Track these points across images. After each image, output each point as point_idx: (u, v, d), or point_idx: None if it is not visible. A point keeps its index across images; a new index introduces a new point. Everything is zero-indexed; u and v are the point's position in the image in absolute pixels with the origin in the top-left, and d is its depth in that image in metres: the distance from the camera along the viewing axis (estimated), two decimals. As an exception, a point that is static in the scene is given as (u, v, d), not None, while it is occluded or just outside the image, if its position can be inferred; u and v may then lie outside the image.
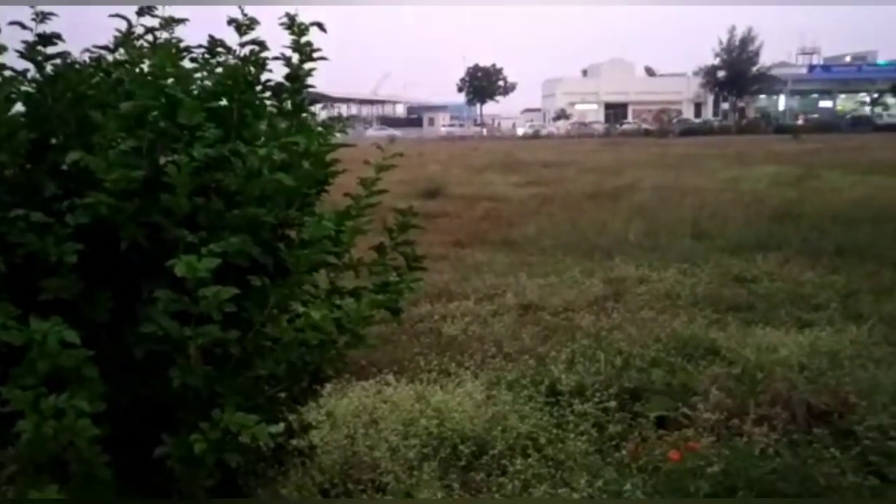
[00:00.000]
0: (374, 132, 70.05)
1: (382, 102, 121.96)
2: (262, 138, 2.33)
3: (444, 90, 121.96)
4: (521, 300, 6.81)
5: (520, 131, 79.10)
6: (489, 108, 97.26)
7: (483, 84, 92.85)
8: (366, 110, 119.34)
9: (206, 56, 2.56)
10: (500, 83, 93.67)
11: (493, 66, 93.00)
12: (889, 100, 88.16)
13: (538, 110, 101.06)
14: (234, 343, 2.13)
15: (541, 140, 63.77)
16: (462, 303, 6.73)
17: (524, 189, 17.25)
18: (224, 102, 2.38)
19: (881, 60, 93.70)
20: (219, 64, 2.51)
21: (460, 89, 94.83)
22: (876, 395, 4.08)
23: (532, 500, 3.27)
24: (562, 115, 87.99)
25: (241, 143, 2.25)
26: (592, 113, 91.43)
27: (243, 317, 2.20)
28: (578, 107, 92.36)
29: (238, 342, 2.16)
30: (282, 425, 2.77)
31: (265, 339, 2.32)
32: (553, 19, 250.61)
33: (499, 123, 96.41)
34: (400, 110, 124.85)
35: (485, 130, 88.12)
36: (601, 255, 8.88)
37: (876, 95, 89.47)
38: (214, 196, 2.21)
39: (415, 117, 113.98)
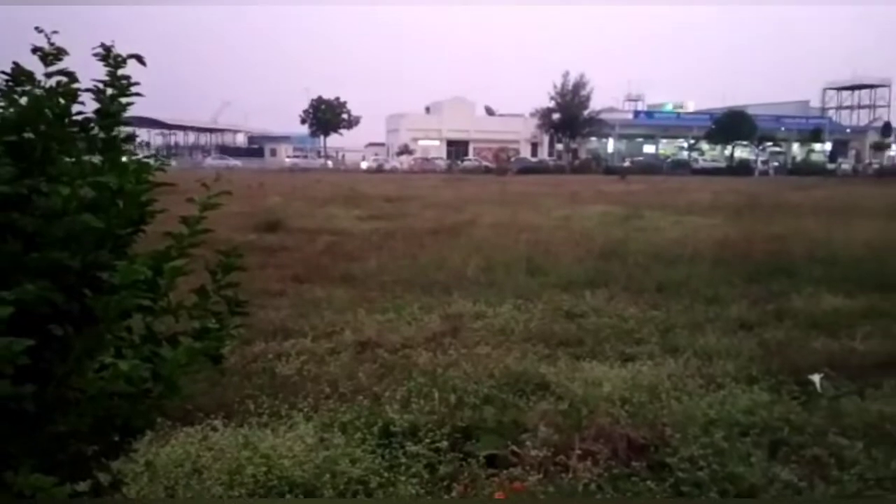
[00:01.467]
0: (212, 161, 67.97)
1: (222, 131, 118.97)
2: (69, 175, 2.16)
3: (287, 121, 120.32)
4: (360, 337, 6.74)
5: (364, 165, 79.47)
6: (333, 140, 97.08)
7: (327, 116, 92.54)
8: (204, 139, 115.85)
9: (10, 84, 2.36)
10: (344, 116, 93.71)
11: (337, 98, 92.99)
12: (703, 146, 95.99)
13: (382, 144, 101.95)
14: (29, 399, 1.94)
15: (384, 174, 64.27)
16: (298, 341, 6.57)
17: (366, 223, 17.25)
18: (29, 135, 2.19)
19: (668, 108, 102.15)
20: (23, 94, 2.32)
21: (303, 121, 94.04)
22: (689, 427, 4.34)
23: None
24: (405, 150, 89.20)
25: (43, 181, 2.07)
26: (435, 149, 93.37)
27: (42, 369, 2.01)
28: (421, 142, 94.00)
29: (35, 397, 1.97)
30: (88, 483, 2.55)
31: (70, 392, 2.14)
32: (397, 55, 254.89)
33: (343, 156, 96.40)
34: (241, 139, 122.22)
35: (330, 163, 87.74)
36: (440, 290, 8.98)
37: (692, 141, 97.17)
38: (11, 238, 2.02)
39: (256, 147, 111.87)
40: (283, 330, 6.90)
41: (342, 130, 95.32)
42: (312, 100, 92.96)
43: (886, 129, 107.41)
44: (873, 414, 4.69)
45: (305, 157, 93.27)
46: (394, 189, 31.50)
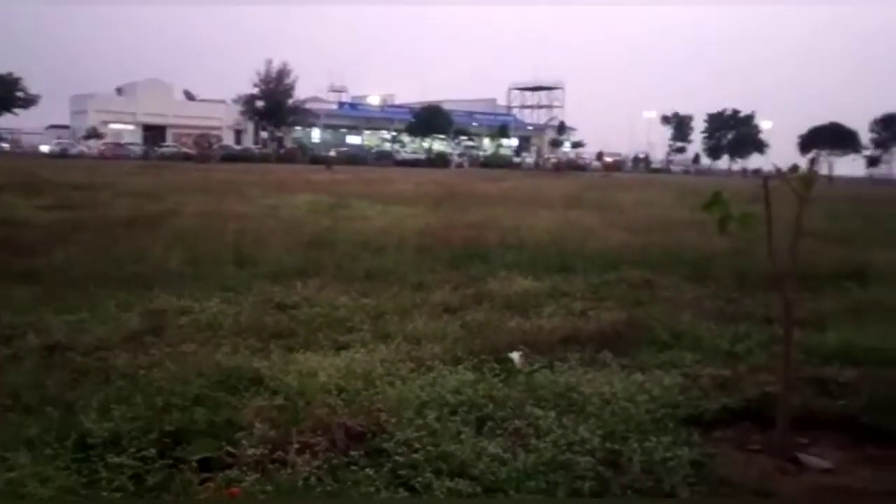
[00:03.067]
0: None
1: None
2: None
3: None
4: (46, 340, 6.01)
5: (45, 148, 71.48)
6: (7, 120, 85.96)
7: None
8: None
9: None
10: (20, 94, 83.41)
11: (10, 74, 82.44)
12: (405, 138, 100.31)
13: (67, 127, 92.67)
14: None
15: (71, 160, 58.60)
16: (-32, 349, 5.72)
17: (50, 213, 15.53)
18: None
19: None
20: None
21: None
22: (403, 411, 4.46)
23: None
24: (94, 133, 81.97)
25: None
26: (129, 134, 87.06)
27: None
28: (113, 126, 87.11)
29: None
30: None
31: None
32: (89, 29, 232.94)
33: (19, 139, 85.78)
34: None
35: (5, 145, 77.62)
36: (140, 285, 8.34)
37: (395, 133, 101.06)
38: None
39: None
40: (-52, 338, 5.97)
41: (17, 110, 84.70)
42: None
43: (561, 127, 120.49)
44: (561, 385, 5.17)
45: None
46: (82, 176, 28.74)
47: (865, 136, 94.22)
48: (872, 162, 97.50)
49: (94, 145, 77.26)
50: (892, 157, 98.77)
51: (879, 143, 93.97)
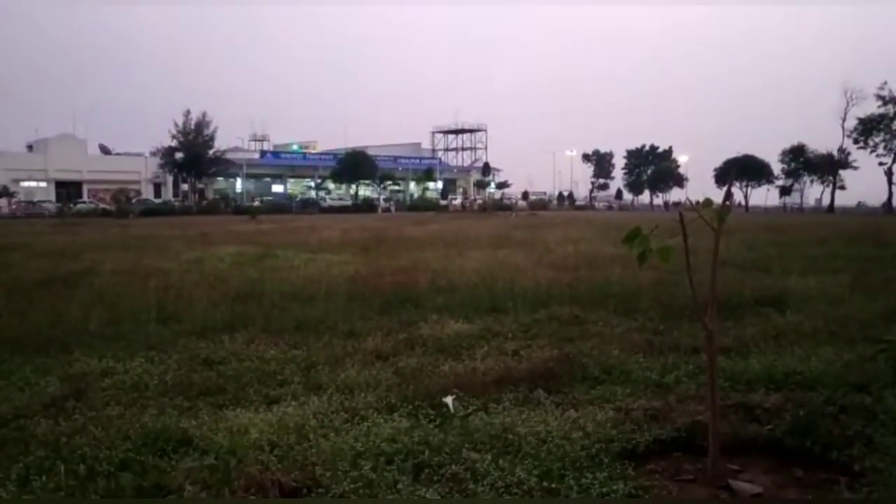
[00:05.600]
0: None
1: None
2: None
3: None
4: (-42, 412, 5.74)
5: (-49, 210, 68.67)
6: None
7: None
8: None
9: None
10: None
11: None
12: (330, 185, 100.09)
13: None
14: None
15: (-22, 220, 56.34)
16: None
17: (-42, 278, 14.85)
18: None
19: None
20: None
21: None
22: (338, 463, 4.39)
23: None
24: (4, 192, 79.12)
25: None
26: (42, 191, 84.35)
27: None
28: (24, 184, 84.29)
29: None
30: None
31: None
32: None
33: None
34: None
35: None
36: (58, 349, 8.03)
37: (319, 181, 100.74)
38: None
39: None
40: None
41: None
42: None
43: (486, 168, 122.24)
44: (497, 426, 5.18)
45: None
46: (-9, 237, 27.68)
47: (777, 168, 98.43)
48: (785, 191, 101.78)
49: (4, 204, 74.58)
50: (802, 187, 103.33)
51: (790, 173, 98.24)
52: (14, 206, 73.12)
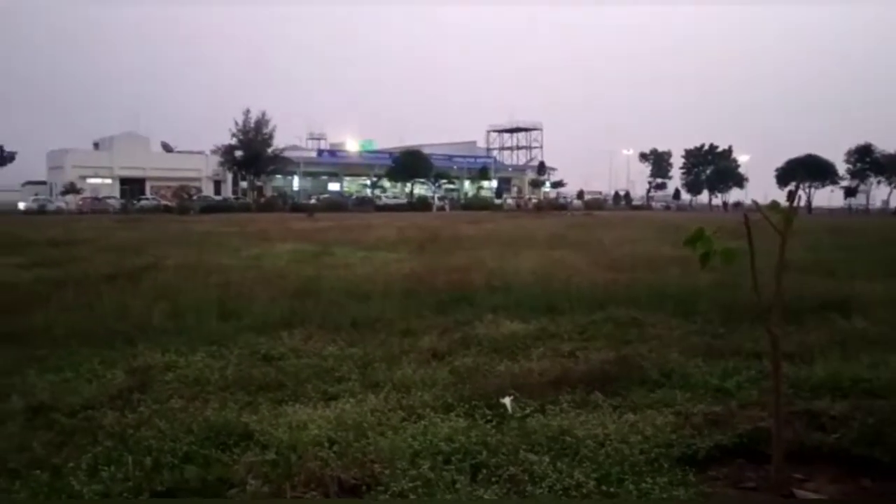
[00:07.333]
0: None
1: None
2: None
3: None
4: (30, 402, 5.93)
5: (22, 205, 71.07)
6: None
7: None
8: None
9: None
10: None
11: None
12: (385, 183, 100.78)
13: (44, 183, 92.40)
14: None
15: (48, 216, 58.23)
16: (-51, 415, 5.61)
17: (30, 272, 15.34)
18: None
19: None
20: None
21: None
22: (396, 461, 4.41)
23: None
24: (72, 188, 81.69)
25: None
26: (107, 188, 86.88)
27: None
28: (91, 181, 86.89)
29: None
30: None
31: None
32: (61, 84, 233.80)
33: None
34: None
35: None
36: (123, 342, 8.26)
37: (375, 179, 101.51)
38: None
39: None
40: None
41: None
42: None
43: (541, 168, 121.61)
44: (554, 428, 5.14)
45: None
46: (61, 232, 28.59)
47: (842, 168, 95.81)
48: (850, 192, 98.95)
49: (72, 200, 76.95)
50: (869, 188, 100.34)
51: (855, 174, 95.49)
52: (81, 202, 75.42)
